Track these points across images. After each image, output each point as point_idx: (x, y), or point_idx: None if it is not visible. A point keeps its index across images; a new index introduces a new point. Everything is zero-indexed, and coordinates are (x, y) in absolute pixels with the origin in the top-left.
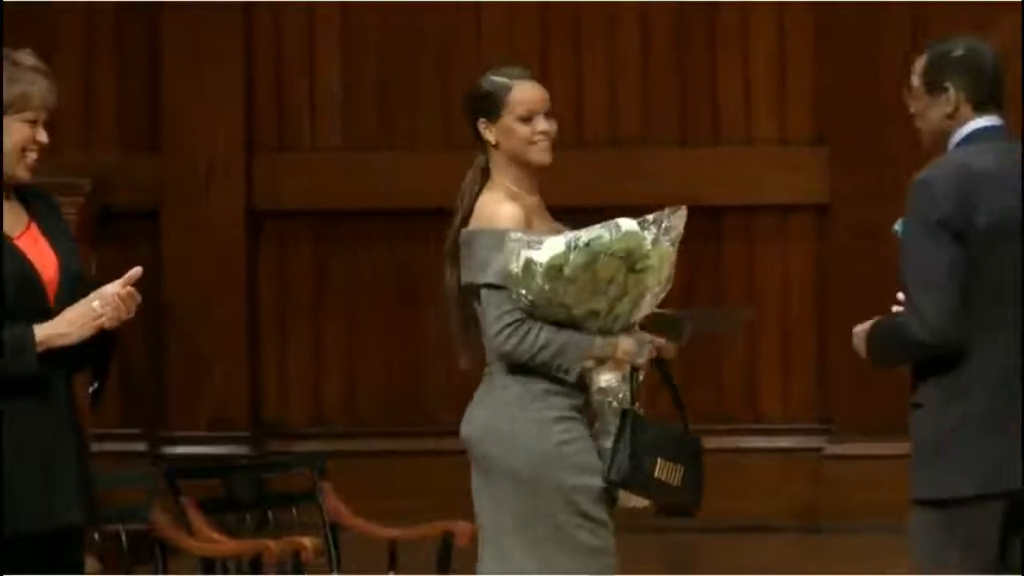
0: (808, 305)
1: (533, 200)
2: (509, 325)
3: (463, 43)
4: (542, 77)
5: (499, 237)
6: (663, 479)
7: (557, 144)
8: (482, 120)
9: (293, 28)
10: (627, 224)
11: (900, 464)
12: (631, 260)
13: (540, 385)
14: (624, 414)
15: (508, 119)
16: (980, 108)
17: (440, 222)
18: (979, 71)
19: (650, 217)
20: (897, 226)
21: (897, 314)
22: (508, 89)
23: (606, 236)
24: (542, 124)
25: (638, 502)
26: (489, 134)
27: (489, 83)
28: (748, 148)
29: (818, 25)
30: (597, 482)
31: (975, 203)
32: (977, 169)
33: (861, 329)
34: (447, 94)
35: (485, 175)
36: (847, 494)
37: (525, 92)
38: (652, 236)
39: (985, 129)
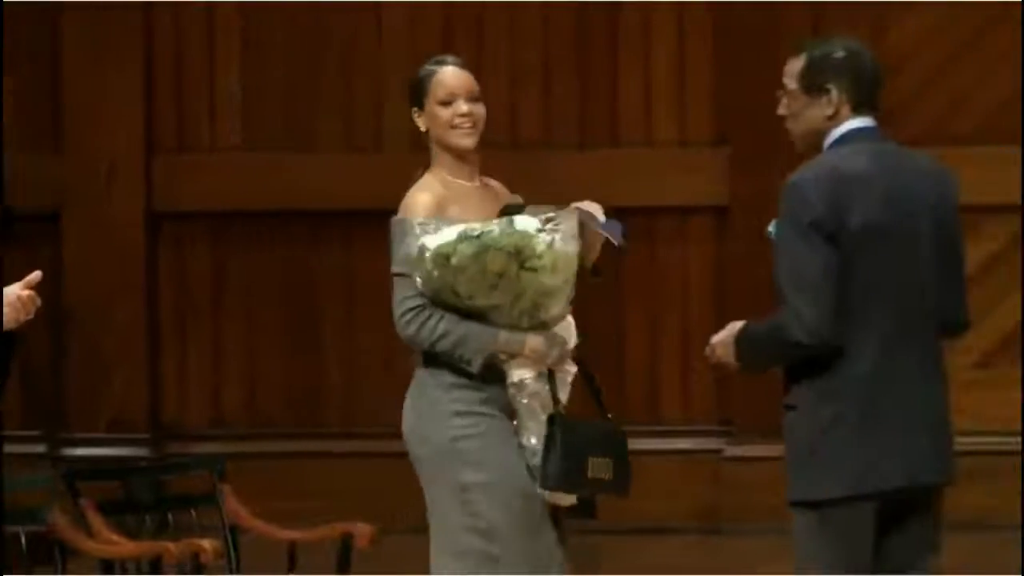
0: (707, 307)
1: (469, 186)
2: (411, 310)
3: (365, 44)
4: None
5: (399, 226)
6: (596, 477)
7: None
8: (415, 108)
9: (193, 29)
10: (522, 223)
11: None
12: (521, 257)
13: (448, 378)
14: (551, 420)
15: (431, 104)
16: (857, 109)
17: (340, 223)
18: (860, 73)
19: (545, 218)
20: (771, 228)
21: (768, 318)
22: (431, 75)
23: (496, 231)
24: (462, 107)
25: (566, 500)
26: (420, 121)
27: (419, 72)
28: (648, 150)
29: (717, 27)
30: (497, 480)
31: (847, 205)
32: (848, 171)
33: (723, 337)
34: (349, 95)
35: (425, 168)
36: (747, 495)
37: (445, 77)
38: (548, 238)
39: (859, 130)
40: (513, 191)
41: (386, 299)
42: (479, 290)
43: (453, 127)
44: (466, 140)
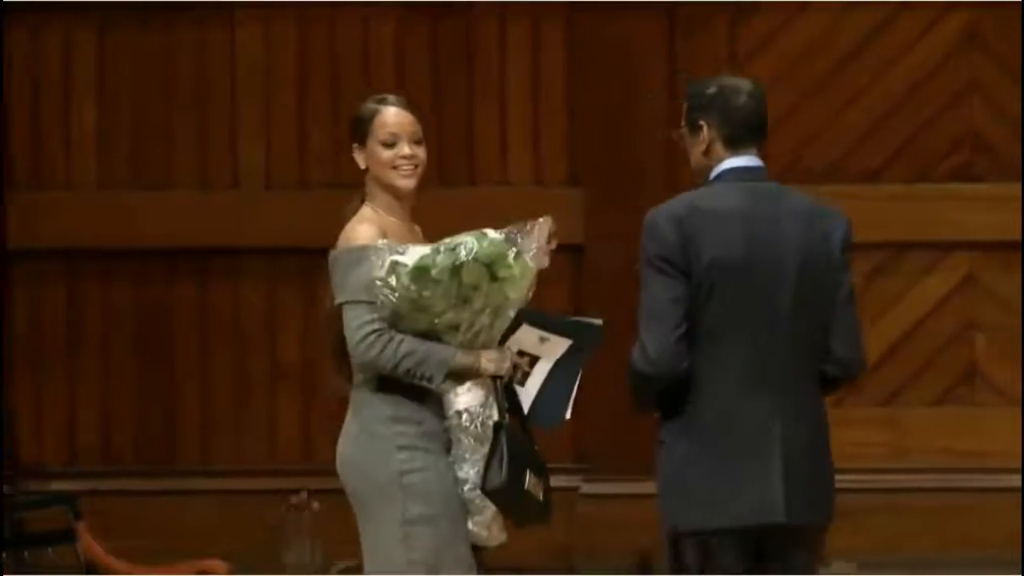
0: None
1: (402, 225)
2: (372, 333)
3: (218, 80)
4: (297, 116)
5: (356, 254)
6: (532, 492)
7: (316, 184)
8: (355, 144)
9: (49, 65)
10: (494, 234)
11: (654, 504)
12: (493, 269)
13: (387, 411)
14: (497, 427)
15: (372, 143)
16: (734, 147)
17: (195, 261)
18: (729, 109)
19: (516, 229)
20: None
21: None
22: (374, 114)
23: (472, 242)
24: (404, 149)
25: (496, 540)
26: (360, 158)
27: (361, 109)
28: (504, 188)
29: (572, 67)
30: (442, 513)
31: (700, 241)
32: (708, 207)
33: None
34: (202, 133)
35: (361, 202)
36: (602, 534)
37: (388, 117)
38: (517, 249)
39: (734, 169)
40: None
41: (239, 336)
42: (451, 305)
43: (394, 168)
44: (405, 182)
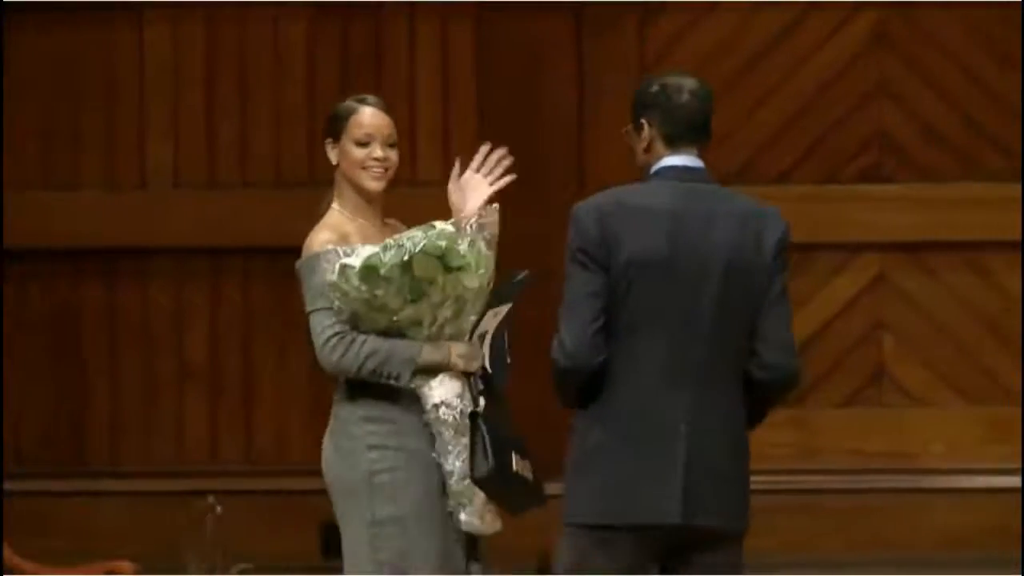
0: None
1: (371, 225)
2: (334, 336)
3: (127, 79)
4: (206, 117)
5: (308, 264)
6: (521, 473)
7: (224, 184)
8: (329, 140)
9: None
10: (441, 224)
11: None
12: (446, 259)
13: (360, 411)
14: (473, 416)
15: (346, 141)
16: (673, 145)
17: (103, 261)
18: (669, 108)
19: (465, 219)
20: None
21: None
22: (351, 112)
23: (419, 235)
24: (377, 151)
25: (494, 527)
26: (332, 154)
27: (339, 106)
28: (414, 189)
29: (481, 67)
30: (408, 513)
31: (621, 236)
32: (633, 203)
33: None
34: (111, 133)
35: (328, 199)
36: (503, 536)
37: (365, 117)
38: (469, 237)
39: (671, 168)
40: (279, 229)
41: (148, 337)
42: (407, 301)
43: (364, 168)
44: (374, 183)
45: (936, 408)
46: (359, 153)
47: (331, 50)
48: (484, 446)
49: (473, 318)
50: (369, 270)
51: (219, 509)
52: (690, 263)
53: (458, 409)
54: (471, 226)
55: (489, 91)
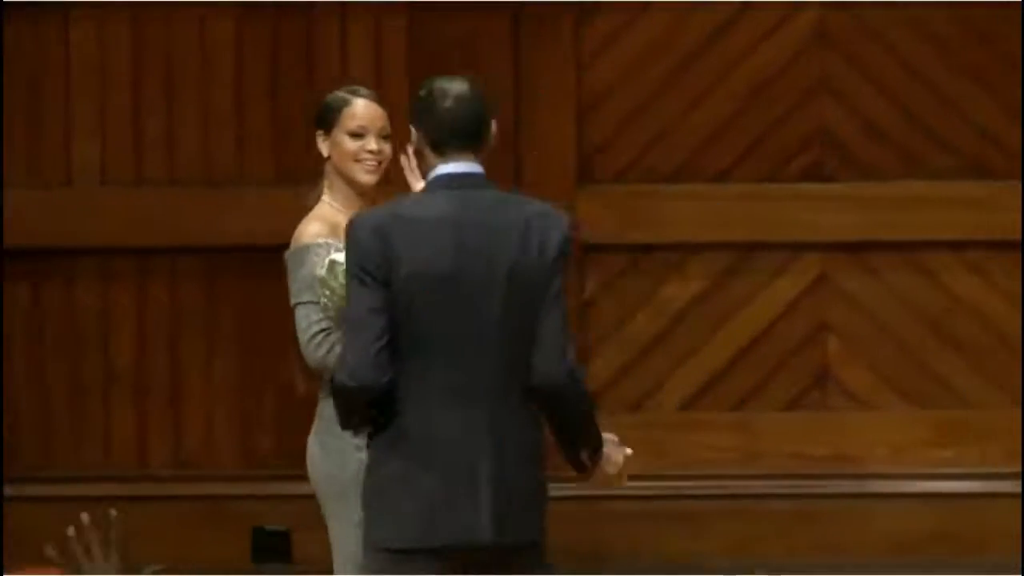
0: None
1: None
2: (319, 333)
3: (52, 76)
4: (132, 113)
5: (297, 256)
6: None
7: (152, 182)
8: (320, 131)
9: None
10: None
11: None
12: None
13: None
14: None
15: (339, 133)
16: (443, 153)
17: (28, 260)
18: (433, 114)
19: None
20: None
21: None
22: (345, 103)
23: None
24: (371, 144)
25: None
26: (323, 146)
27: (331, 97)
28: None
29: (414, 67)
30: None
31: (399, 250)
32: (408, 215)
33: None
34: (35, 128)
35: (318, 192)
36: None
37: (359, 109)
38: None
39: (446, 176)
40: (209, 226)
41: (76, 338)
42: None
43: (357, 160)
44: (368, 176)
45: (881, 411)
46: (352, 145)
47: (260, 49)
48: None
49: None
50: None
51: (113, 512)
52: (474, 274)
53: None
54: None
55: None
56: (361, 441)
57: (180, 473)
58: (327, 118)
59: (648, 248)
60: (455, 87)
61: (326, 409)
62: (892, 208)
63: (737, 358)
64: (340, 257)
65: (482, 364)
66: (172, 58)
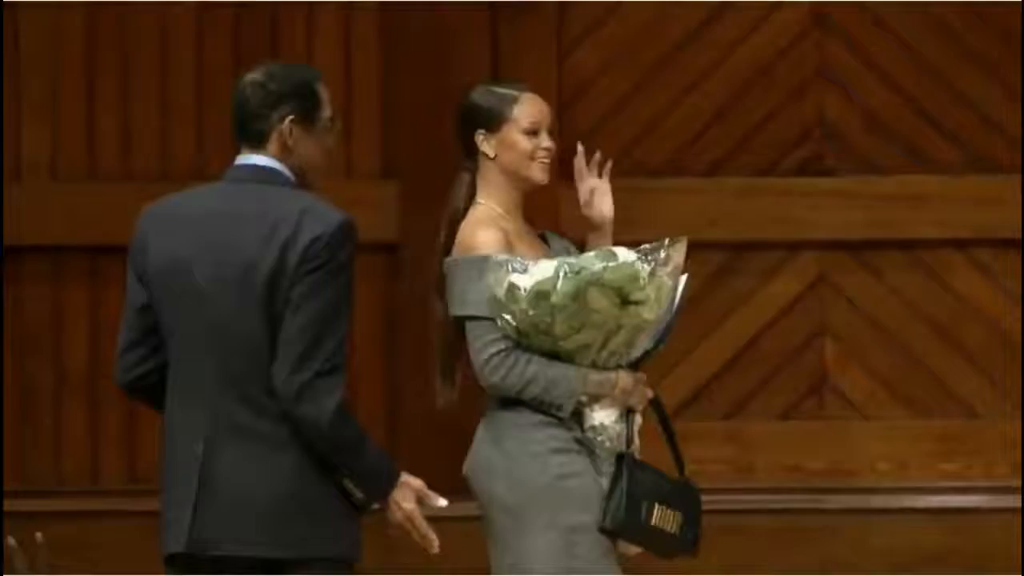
0: (377, 352)
1: (516, 224)
2: (495, 355)
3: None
4: (86, 105)
5: (474, 265)
6: (660, 526)
7: (77, 178)
8: (481, 132)
9: None
10: (624, 255)
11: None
12: (624, 292)
13: (534, 417)
14: (620, 458)
15: (511, 131)
16: (239, 144)
17: None
18: (233, 104)
19: (649, 247)
20: None
21: None
22: (514, 101)
23: (598, 266)
24: (546, 141)
25: (629, 549)
26: (487, 146)
27: (491, 94)
28: None
29: (387, 56)
30: (597, 519)
31: (149, 245)
32: (168, 208)
33: None
34: None
35: (471, 195)
36: None
37: (531, 105)
38: (649, 268)
39: (232, 167)
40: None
41: (25, 340)
42: (575, 328)
43: (533, 159)
44: (544, 175)
45: (882, 421)
46: (528, 144)
47: (222, 40)
48: (620, 496)
49: (646, 347)
50: (540, 296)
51: (39, 535)
52: (207, 270)
53: (613, 435)
54: (655, 258)
55: (397, 82)
56: (556, 444)
57: (134, 488)
58: (493, 117)
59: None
60: (245, 78)
61: (511, 416)
62: (895, 204)
63: (729, 364)
64: (520, 279)
65: (208, 364)
66: (128, 47)
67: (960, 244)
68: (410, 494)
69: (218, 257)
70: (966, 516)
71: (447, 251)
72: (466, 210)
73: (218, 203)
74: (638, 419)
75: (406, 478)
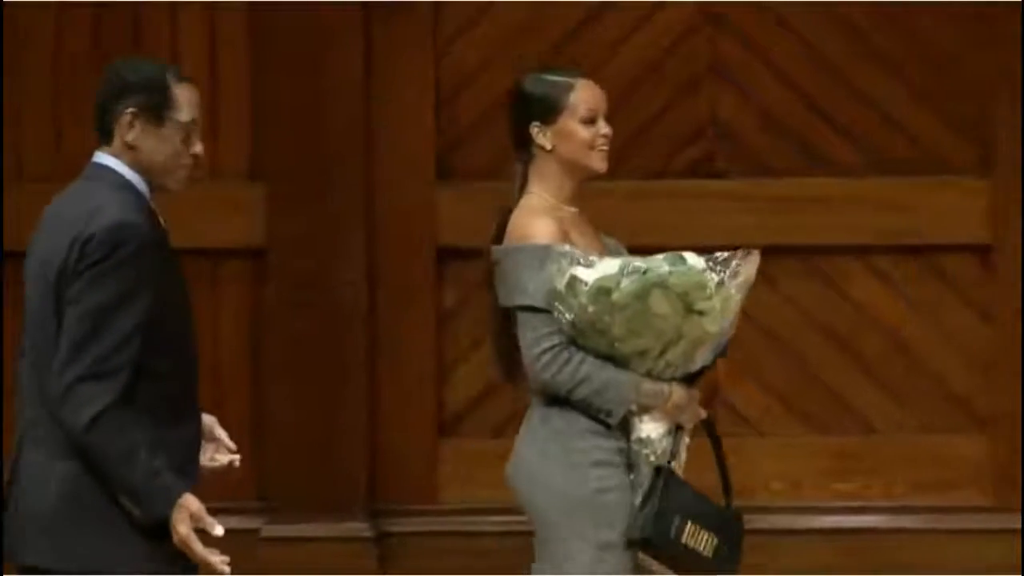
0: (243, 361)
1: (571, 212)
2: (548, 350)
3: None
4: None
5: (534, 255)
6: (691, 545)
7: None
8: (536, 123)
9: None
10: (693, 260)
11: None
12: (688, 300)
13: (582, 423)
14: (658, 470)
15: (569, 121)
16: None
17: None
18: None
19: (720, 256)
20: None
21: None
22: (569, 88)
23: (666, 268)
24: (604, 128)
25: (659, 568)
26: (543, 138)
27: (544, 83)
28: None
29: (256, 55)
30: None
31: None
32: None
33: None
34: None
35: (522, 186)
36: None
37: (588, 91)
38: (718, 278)
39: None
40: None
41: None
42: (633, 332)
43: (593, 148)
44: (603, 164)
45: (776, 437)
46: (587, 132)
47: (80, 40)
48: (652, 507)
49: (705, 361)
50: (601, 292)
51: None
52: (29, 270)
53: (659, 450)
54: (725, 269)
55: (266, 82)
56: (599, 456)
57: None
58: (551, 106)
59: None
60: (120, 64)
61: (555, 420)
62: (790, 208)
63: None
64: (583, 273)
65: (26, 366)
66: None
67: (860, 251)
68: (185, 516)
69: (36, 257)
70: (862, 537)
71: (497, 242)
72: (517, 200)
73: (56, 203)
74: (686, 437)
75: (185, 500)
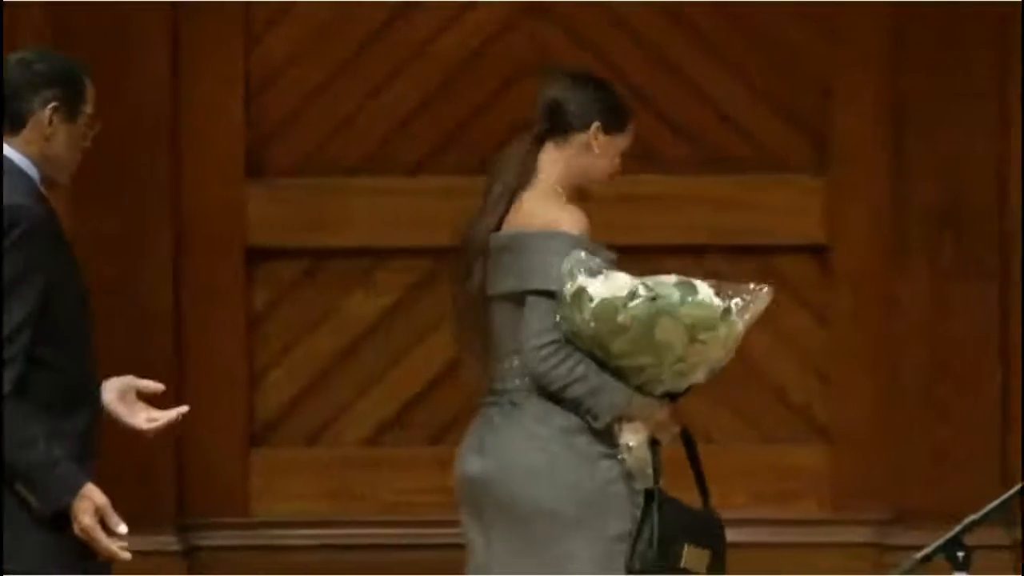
0: None
1: None
2: (551, 343)
3: None
4: None
5: (567, 243)
6: (690, 568)
7: None
8: (598, 122)
9: None
10: (704, 291)
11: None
12: (695, 331)
13: (574, 419)
14: (648, 495)
15: (618, 143)
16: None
17: None
18: None
19: (731, 290)
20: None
21: None
22: (630, 120)
23: (676, 297)
24: (618, 167)
25: None
26: (595, 139)
27: (622, 100)
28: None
29: (60, 48)
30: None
31: None
32: None
33: None
34: None
35: (530, 169)
36: None
37: (630, 135)
38: (731, 315)
39: None
40: None
41: None
42: (634, 351)
43: (607, 178)
44: (598, 190)
45: (733, 451)
46: (616, 163)
47: None
48: (651, 536)
49: (695, 382)
50: (607, 309)
51: None
52: None
53: (641, 459)
54: (736, 306)
55: None
56: (603, 449)
57: None
58: (616, 121)
59: (328, 254)
60: (10, 57)
61: (555, 416)
62: (620, 206)
63: (436, 382)
64: (591, 286)
65: None
66: None
67: (694, 250)
68: (90, 507)
69: None
70: (820, 552)
71: (498, 227)
72: (520, 185)
73: None
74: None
75: (88, 491)
